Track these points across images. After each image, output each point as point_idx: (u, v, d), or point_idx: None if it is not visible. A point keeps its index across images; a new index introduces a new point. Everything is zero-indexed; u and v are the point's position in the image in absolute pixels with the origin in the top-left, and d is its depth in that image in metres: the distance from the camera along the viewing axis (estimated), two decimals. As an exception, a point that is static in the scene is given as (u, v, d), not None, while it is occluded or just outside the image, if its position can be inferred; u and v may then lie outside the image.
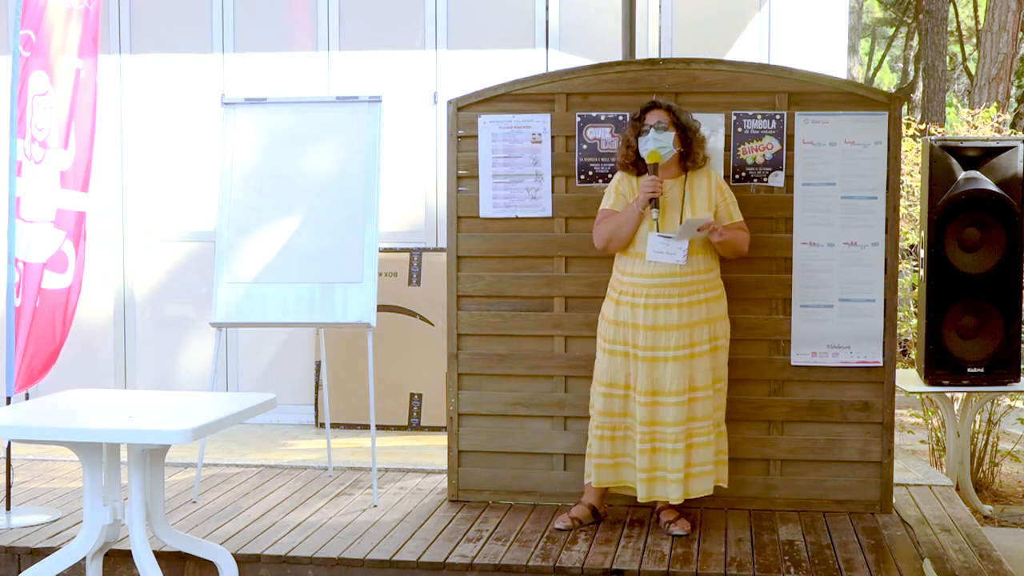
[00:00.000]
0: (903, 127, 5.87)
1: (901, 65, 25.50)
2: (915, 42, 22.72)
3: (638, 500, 4.75)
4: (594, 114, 5.06)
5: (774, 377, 5.01)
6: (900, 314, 7.11)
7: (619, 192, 4.77)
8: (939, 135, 8.32)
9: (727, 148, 4.98)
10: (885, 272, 4.96)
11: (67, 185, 5.21)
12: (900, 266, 6.70)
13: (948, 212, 5.53)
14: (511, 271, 5.13)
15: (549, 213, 5.11)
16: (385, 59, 6.97)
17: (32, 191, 4.98)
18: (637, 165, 4.74)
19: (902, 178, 6.62)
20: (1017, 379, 5.62)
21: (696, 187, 4.71)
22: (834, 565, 4.31)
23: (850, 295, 4.97)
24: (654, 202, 4.58)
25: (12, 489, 5.13)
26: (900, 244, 5.64)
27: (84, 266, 5.35)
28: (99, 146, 6.95)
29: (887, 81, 26.16)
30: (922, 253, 5.69)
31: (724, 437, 4.83)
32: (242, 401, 4.13)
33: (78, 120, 5.27)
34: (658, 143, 4.61)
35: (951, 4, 18.75)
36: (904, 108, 8.08)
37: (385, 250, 6.80)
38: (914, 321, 6.86)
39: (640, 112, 4.73)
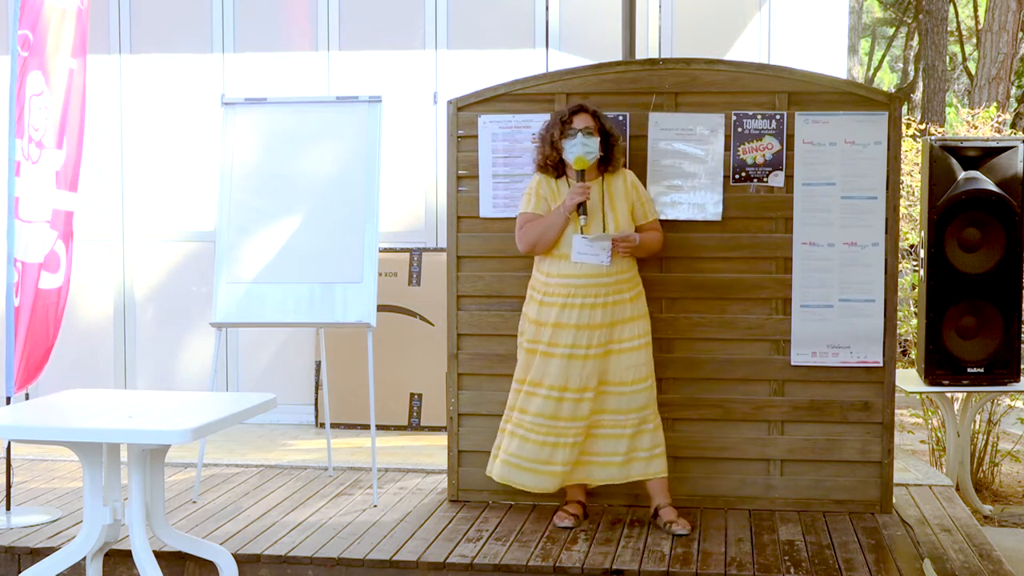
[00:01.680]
0: (903, 127, 5.87)
1: (901, 65, 25.50)
2: (915, 42, 22.73)
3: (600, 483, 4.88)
4: (594, 114, 5.05)
5: (774, 377, 5.01)
6: (900, 314, 7.10)
7: (539, 195, 4.77)
8: (939, 135, 8.32)
9: (727, 148, 4.98)
10: (885, 272, 4.96)
11: (61, 185, 5.21)
12: (900, 266, 6.70)
13: (948, 212, 5.53)
14: (511, 271, 5.13)
15: (549, 213, 5.11)
16: (385, 59, 6.97)
17: (30, 191, 4.97)
18: (558, 167, 4.75)
19: (902, 178, 6.63)
20: (1017, 379, 5.62)
21: (614, 188, 4.75)
22: (834, 565, 4.30)
23: (850, 295, 4.97)
24: (582, 207, 4.60)
25: (12, 489, 5.13)
26: (900, 244, 5.64)
27: (72, 266, 5.36)
28: (99, 146, 7.00)
29: (887, 81, 26.16)
30: (922, 253, 5.69)
31: (660, 431, 4.84)
32: (242, 401, 4.13)
33: (70, 120, 5.26)
34: (585, 148, 4.63)
35: (951, 4, 18.75)
36: (904, 108, 8.08)
37: (385, 250, 6.79)
38: (914, 321, 6.86)
39: (568, 114, 4.72)
